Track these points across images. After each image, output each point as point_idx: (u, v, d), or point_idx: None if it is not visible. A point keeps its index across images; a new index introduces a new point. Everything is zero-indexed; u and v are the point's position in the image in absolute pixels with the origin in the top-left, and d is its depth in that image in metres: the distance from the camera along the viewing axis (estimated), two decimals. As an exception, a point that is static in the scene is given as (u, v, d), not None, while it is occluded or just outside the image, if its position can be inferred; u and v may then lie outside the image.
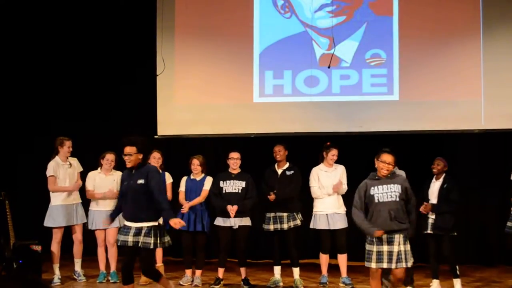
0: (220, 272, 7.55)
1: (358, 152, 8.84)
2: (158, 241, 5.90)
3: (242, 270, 7.54)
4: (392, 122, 8.88)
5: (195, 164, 7.70)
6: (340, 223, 7.59)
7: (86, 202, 7.95)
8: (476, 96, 8.69)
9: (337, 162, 7.76)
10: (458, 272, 7.15)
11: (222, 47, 9.25)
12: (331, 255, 7.79)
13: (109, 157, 7.83)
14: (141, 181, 5.86)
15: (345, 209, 7.66)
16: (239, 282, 7.61)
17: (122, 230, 5.98)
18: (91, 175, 7.85)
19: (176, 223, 5.79)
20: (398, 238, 5.62)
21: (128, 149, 5.88)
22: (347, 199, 7.71)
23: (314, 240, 8.37)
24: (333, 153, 7.70)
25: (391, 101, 8.92)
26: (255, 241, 8.40)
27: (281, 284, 7.64)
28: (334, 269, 7.85)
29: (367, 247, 5.74)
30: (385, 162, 5.77)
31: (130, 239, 5.85)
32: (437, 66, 8.81)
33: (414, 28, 8.89)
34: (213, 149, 9.60)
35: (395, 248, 5.60)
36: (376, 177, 5.81)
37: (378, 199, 5.70)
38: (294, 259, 7.58)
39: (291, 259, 7.61)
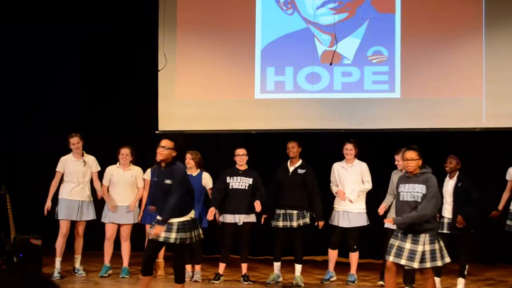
0: (221, 267, 7.55)
1: (359, 149, 8.83)
2: (195, 235, 5.89)
3: (243, 265, 7.54)
4: (393, 120, 8.86)
5: (187, 158, 7.69)
6: (349, 222, 7.54)
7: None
8: (478, 94, 8.68)
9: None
10: (466, 272, 7.15)
11: (223, 43, 9.23)
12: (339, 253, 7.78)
13: (124, 152, 7.83)
14: (168, 182, 5.74)
15: (362, 207, 7.62)
16: (238, 278, 7.61)
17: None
18: (108, 170, 7.85)
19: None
20: (424, 238, 5.52)
21: (164, 142, 5.73)
22: (373, 197, 7.69)
23: (315, 237, 8.37)
24: (346, 147, 7.69)
25: (393, 98, 8.91)
26: (256, 237, 8.39)
27: (280, 279, 7.65)
28: (337, 265, 7.86)
29: (391, 241, 5.71)
30: (406, 159, 5.70)
31: (162, 234, 5.73)
32: (439, 64, 8.80)
33: (416, 25, 8.87)
34: (214, 145, 9.60)
35: (419, 248, 5.50)
36: (406, 174, 5.74)
37: (402, 198, 5.65)
38: (299, 257, 7.54)
39: (295, 256, 7.56)
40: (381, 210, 7.19)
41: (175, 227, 5.78)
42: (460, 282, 7.15)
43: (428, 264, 5.54)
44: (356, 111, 8.91)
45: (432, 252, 5.55)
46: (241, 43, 9.19)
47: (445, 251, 5.66)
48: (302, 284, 7.45)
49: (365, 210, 7.58)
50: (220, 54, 9.23)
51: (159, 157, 5.76)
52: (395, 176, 7.10)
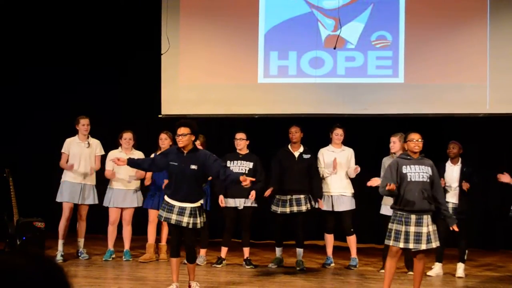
0: (223, 251, 7.58)
1: (362, 134, 8.84)
2: (203, 220, 6.04)
3: (245, 250, 7.58)
4: (396, 105, 8.84)
5: (197, 144, 7.68)
6: (345, 205, 7.58)
7: (104, 181, 7.93)
8: (482, 80, 8.65)
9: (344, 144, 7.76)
10: (466, 257, 7.18)
11: (227, 27, 9.19)
12: (336, 237, 7.80)
13: (126, 136, 7.84)
14: (194, 167, 5.91)
15: (352, 191, 7.65)
16: (241, 262, 7.64)
17: (166, 207, 6.01)
18: (111, 154, 7.82)
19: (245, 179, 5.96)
20: (427, 219, 5.61)
21: (182, 130, 5.91)
22: (355, 181, 7.70)
23: (317, 221, 8.38)
24: (336, 133, 7.68)
25: (396, 83, 8.88)
26: (258, 222, 8.41)
27: (283, 264, 7.67)
28: (338, 251, 7.87)
29: (394, 226, 5.66)
30: (413, 139, 5.77)
31: (173, 217, 5.93)
32: (443, 49, 8.76)
33: (421, 10, 8.82)
34: (217, 129, 9.59)
35: (424, 229, 5.58)
36: (408, 157, 5.79)
37: (410, 178, 5.67)
38: (300, 240, 7.57)
39: (297, 240, 7.59)
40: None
41: (188, 212, 5.94)
42: (460, 267, 7.18)
43: (433, 244, 5.64)
44: (359, 96, 8.89)
45: (434, 232, 5.65)
46: (244, 27, 9.15)
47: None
48: (304, 268, 7.47)
49: (353, 194, 7.65)
50: (224, 38, 9.20)
51: (180, 144, 5.96)
52: (387, 161, 6.97)
